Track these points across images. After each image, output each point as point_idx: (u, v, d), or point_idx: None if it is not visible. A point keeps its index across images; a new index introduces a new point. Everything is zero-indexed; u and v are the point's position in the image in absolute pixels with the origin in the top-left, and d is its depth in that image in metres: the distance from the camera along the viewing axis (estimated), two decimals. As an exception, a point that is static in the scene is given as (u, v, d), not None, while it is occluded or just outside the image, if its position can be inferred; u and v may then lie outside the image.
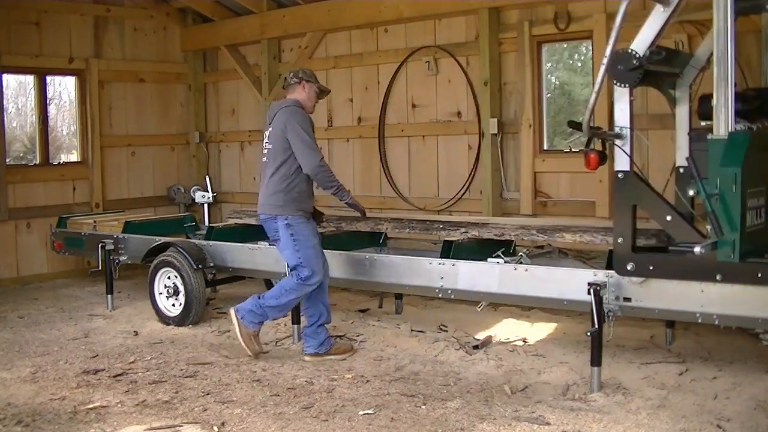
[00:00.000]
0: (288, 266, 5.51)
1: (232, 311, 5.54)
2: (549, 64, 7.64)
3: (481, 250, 5.57)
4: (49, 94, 9.71)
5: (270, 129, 5.50)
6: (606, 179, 6.56)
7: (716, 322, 4.45)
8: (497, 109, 7.33)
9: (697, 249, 4.04)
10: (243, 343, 5.51)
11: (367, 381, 5.04)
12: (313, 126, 5.52)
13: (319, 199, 5.95)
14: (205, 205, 8.79)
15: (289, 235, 5.37)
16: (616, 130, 4.53)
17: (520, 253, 5.43)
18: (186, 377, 5.22)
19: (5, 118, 8.76)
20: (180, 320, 6.57)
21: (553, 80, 7.98)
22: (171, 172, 10.01)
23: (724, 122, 4.12)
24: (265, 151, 5.54)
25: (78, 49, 9.08)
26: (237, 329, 5.50)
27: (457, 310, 6.71)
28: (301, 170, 5.38)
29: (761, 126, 4.63)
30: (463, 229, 5.68)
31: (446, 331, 6.16)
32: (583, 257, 5.62)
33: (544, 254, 5.70)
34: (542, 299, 5.10)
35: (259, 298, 5.52)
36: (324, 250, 5.99)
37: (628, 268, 4.54)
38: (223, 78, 9.97)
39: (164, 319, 6.69)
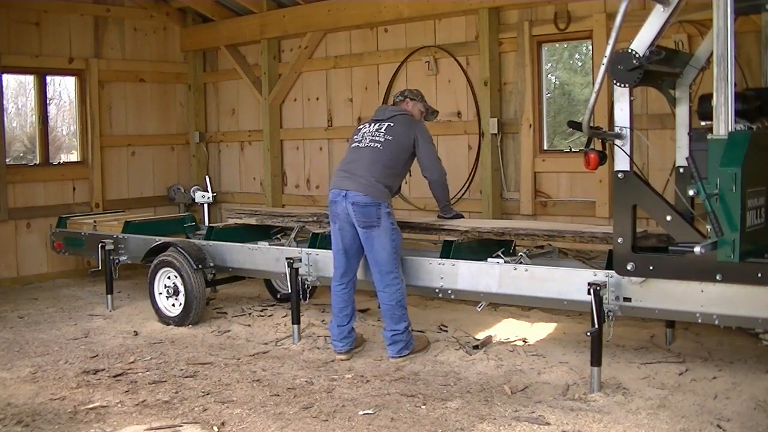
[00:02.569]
0: (380, 255, 5.42)
1: (398, 361, 5.42)
2: (549, 64, 7.64)
3: (481, 250, 5.58)
4: (49, 94, 9.72)
5: (388, 124, 5.63)
6: (606, 179, 6.56)
7: (716, 322, 4.45)
8: (497, 109, 7.32)
9: (697, 249, 4.03)
10: (423, 350, 5.57)
11: (367, 381, 5.04)
12: None
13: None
14: (205, 205, 8.79)
15: (390, 223, 5.44)
16: (616, 130, 4.53)
17: (520, 253, 5.42)
18: (186, 377, 5.22)
19: (5, 118, 8.75)
20: (180, 320, 6.58)
21: (553, 80, 7.99)
22: (171, 172, 10.00)
23: (724, 122, 4.11)
24: (374, 138, 5.60)
25: (78, 49, 9.07)
26: (417, 355, 5.49)
27: (457, 310, 6.71)
28: (406, 175, 5.80)
29: (761, 126, 4.63)
30: (463, 229, 5.68)
31: (446, 331, 6.16)
32: (583, 257, 5.62)
33: (544, 254, 5.70)
34: (542, 299, 5.10)
35: (386, 329, 5.48)
36: (322, 251, 6.01)
37: (628, 268, 4.54)
38: (223, 78, 9.96)
39: (164, 319, 6.69)
